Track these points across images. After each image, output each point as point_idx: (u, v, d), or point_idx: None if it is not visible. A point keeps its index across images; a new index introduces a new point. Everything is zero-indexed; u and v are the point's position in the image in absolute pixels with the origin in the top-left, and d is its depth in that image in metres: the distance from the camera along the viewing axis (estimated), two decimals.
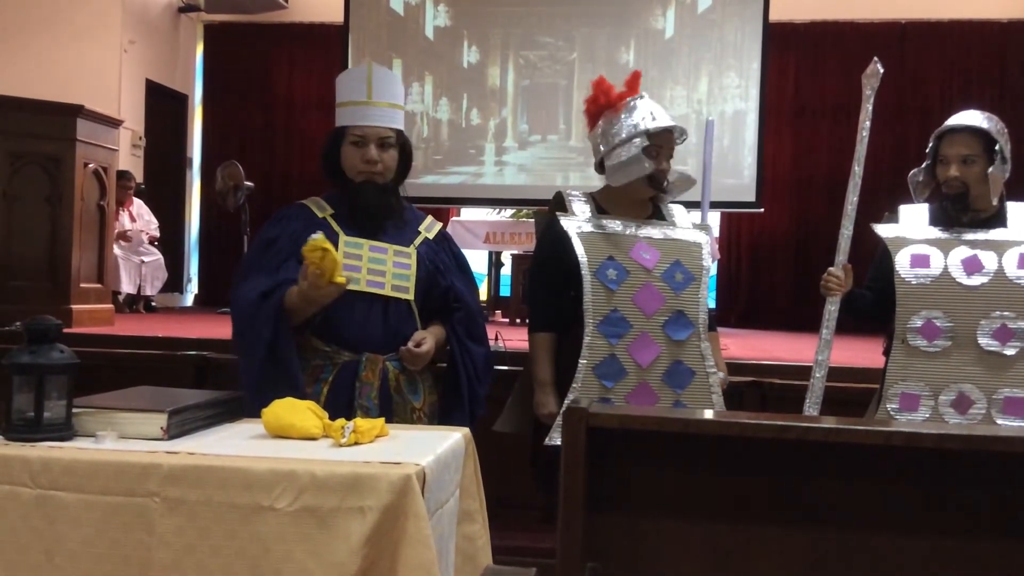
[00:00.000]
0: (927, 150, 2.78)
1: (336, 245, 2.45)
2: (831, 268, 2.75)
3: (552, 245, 2.76)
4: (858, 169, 2.77)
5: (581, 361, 2.63)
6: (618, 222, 2.75)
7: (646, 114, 2.71)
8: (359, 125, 2.51)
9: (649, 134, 2.68)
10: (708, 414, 1.68)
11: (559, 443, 2.60)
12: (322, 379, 2.43)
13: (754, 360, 4.01)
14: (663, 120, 2.71)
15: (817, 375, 2.75)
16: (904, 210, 2.79)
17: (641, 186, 2.72)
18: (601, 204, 2.81)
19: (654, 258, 2.69)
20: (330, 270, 2.23)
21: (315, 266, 2.22)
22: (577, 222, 2.73)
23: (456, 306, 2.62)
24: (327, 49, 8.68)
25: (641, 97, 2.76)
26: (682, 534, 1.55)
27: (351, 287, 2.42)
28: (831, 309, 2.75)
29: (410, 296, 2.51)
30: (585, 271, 2.65)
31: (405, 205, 2.64)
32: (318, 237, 2.24)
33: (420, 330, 2.53)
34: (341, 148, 2.54)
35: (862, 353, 2.96)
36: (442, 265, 2.61)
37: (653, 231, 2.74)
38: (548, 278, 2.78)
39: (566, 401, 2.62)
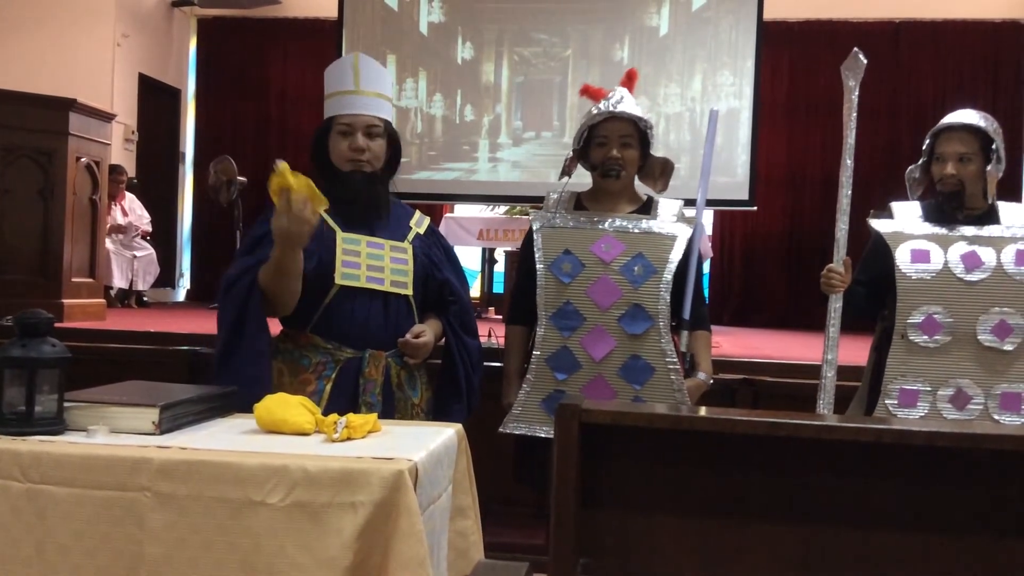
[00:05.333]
0: (923, 147, 2.78)
1: (334, 241, 2.45)
2: (831, 265, 2.71)
3: (525, 242, 2.83)
4: (849, 162, 2.75)
5: (535, 353, 2.69)
6: (589, 216, 2.76)
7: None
8: (346, 114, 2.50)
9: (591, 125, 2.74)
10: (701, 411, 1.68)
11: (516, 432, 2.68)
12: (325, 376, 2.42)
13: (746, 358, 4.02)
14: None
15: (828, 375, 2.71)
16: (897, 207, 2.79)
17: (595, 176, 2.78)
18: (584, 200, 2.83)
19: (615, 251, 2.68)
20: (308, 193, 2.16)
21: (296, 192, 2.15)
22: (547, 217, 2.77)
23: (451, 300, 2.62)
24: (321, 44, 8.65)
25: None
26: (674, 530, 1.55)
27: (351, 283, 2.43)
28: (836, 307, 2.70)
29: (409, 291, 2.51)
30: (540, 265, 2.71)
31: (394, 200, 2.63)
32: (282, 165, 2.18)
33: (418, 324, 2.54)
34: (329, 139, 2.53)
35: (863, 351, 2.97)
36: (435, 259, 2.61)
37: (627, 224, 2.73)
38: (522, 273, 2.84)
39: (520, 393, 2.70)
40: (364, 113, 2.50)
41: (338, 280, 2.42)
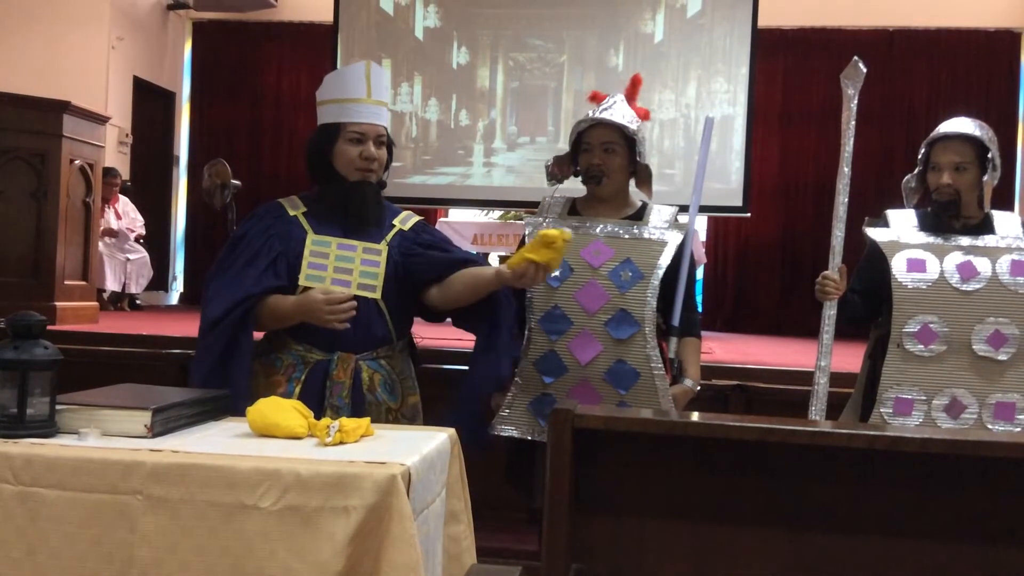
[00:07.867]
0: (919, 156, 2.78)
1: (304, 243, 2.47)
2: (826, 272, 2.72)
3: (519, 246, 2.81)
4: (846, 170, 2.75)
5: (523, 356, 2.70)
6: (581, 221, 2.77)
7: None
8: (358, 122, 2.50)
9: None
10: (694, 416, 1.68)
11: (504, 433, 2.68)
12: (295, 378, 2.44)
13: (739, 364, 4.02)
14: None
15: (821, 381, 2.72)
16: (892, 215, 2.79)
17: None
18: (578, 206, 2.83)
19: (604, 256, 2.69)
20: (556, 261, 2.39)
21: (554, 252, 2.34)
22: (539, 222, 2.79)
23: (471, 260, 2.63)
24: (316, 48, 8.66)
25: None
26: (667, 535, 1.55)
27: (315, 285, 2.44)
28: (830, 314, 2.71)
29: (376, 295, 2.48)
30: None
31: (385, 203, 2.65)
32: (568, 232, 2.38)
33: (387, 327, 2.51)
34: (335, 145, 2.52)
35: (855, 357, 2.98)
36: (420, 247, 2.58)
37: (618, 230, 2.74)
38: None
39: (508, 395, 2.70)
40: (377, 123, 2.52)
41: (302, 281, 2.44)
